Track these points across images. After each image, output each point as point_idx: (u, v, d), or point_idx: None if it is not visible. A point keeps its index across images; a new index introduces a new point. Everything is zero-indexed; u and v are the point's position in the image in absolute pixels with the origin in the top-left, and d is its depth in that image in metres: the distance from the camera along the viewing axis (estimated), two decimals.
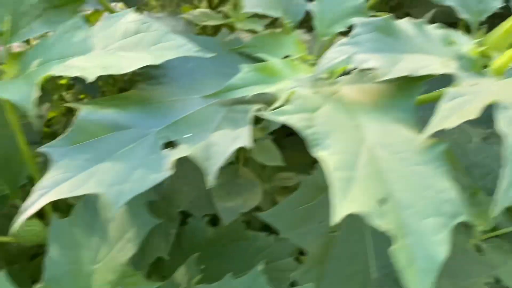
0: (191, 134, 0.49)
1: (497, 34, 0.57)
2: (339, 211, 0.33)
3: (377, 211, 0.34)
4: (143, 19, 0.55)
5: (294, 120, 0.39)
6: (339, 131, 0.41)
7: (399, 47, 0.50)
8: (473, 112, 0.36)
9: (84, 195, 0.63)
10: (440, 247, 0.33)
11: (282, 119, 0.39)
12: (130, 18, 0.56)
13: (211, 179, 0.44)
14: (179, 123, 0.52)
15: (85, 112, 0.49)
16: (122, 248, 0.60)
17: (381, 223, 0.33)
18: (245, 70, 0.54)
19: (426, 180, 0.37)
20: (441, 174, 0.37)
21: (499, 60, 0.49)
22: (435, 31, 0.54)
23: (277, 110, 0.41)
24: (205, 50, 0.54)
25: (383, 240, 0.63)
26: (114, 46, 0.54)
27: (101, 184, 0.44)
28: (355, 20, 0.50)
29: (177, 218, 1.05)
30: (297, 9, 0.65)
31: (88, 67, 0.52)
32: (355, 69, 0.56)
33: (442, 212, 0.35)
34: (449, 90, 0.41)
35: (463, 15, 0.60)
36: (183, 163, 1.33)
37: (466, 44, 0.57)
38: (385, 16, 0.50)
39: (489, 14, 0.60)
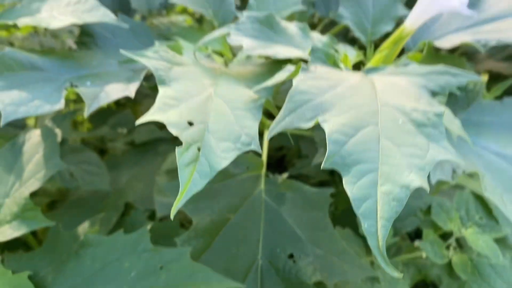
0: (89, 83, 0.59)
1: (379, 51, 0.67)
2: (147, 117, 0.41)
3: (182, 126, 0.42)
4: None
5: (152, 63, 0.48)
6: (191, 81, 0.50)
7: (274, 38, 0.59)
8: None
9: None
10: (223, 161, 0.41)
11: (143, 60, 0.48)
12: None
13: (86, 113, 0.53)
14: (88, 76, 0.62)
15: (9, 50, 0.59)
16: (30, 185, 0.68)
17: (182, 134, 0.41)
18: (157, 45, 0.64)
19: (239, 119, 0.45)
20: (252, 117, 0.46)
21: (354, 58, 0.58)
22: (318, 36, 0.64)
23: (145, 55, 0.50)
24: (127, 26, 0.65)
25: (275, 232, 0.70)
26: (56, 11, 0.66)
27: (1, 103, 0.54)
28: (244, 13, 0.60)
29: (121, 209, 1.13)
30: (226, 13, 0.77)
31: (28, 22, 0.64)
32: (248, 56, 0.66)
33: (238, 140, 0.43)
34: (302, 65, 0.50)
35: (357, 34, 0.70)
36: (144, 165, 1.40)
37: (350, 53, 0.67)
38: (268, 13, 0.60)
39: (381, 35, 0.70)
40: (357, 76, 0.50)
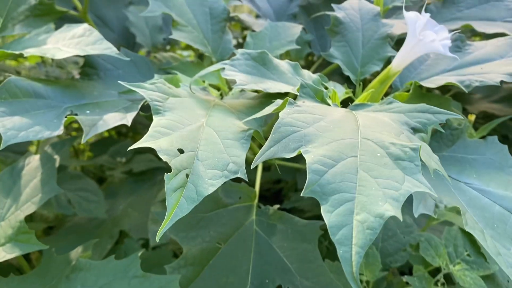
0: (89, 111, 0.62)
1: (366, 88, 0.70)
2: (139, 144, 0.43)
3: (173, 153, 0.44)
4: (90, 28, 0.71)
5: (148, 94, 0.51)
6: (185, 111, 0.52)
7: (266, 74, 0.63)
8: None
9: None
10: (210, 187, 0.43)
11: (140, 91, 0.51)
12: (82, 27, 0.72)
13: (83, 139, 0.55)
14: (88, 105, 0.65)
15: (14, 78, 0.63)
16: (26, 208, 0.69)
17: (171, 160, 0.43)
18: (156, 77, 0.68)
19: (228, 148, 0.48)
20: (240, 147, 0.48)
21: (343, 96, 0.61)
22: (308, 73, 0.67)
23: (142, 85, 0.53)
24: (130, 60, 0.69)
25: (264, 263, 0.71)
26: (62, 43, 0.70)
27: (2, 127, 0.57)
28: (238, 50, 0.64)
29: (116, 236, 1.14)
30: (224, 50, 0.80)
31: (34, 52, 0.67)
32: (242, 90, 0.69)
33: (225, 168, 0.45)
34: (289, 100, 0.52)
35: (346, 73, 0.73)
36: (140, 194, 1.42)
37: (339, 90, 0.70)
38: (262, 51, 0.63)
39: (370, 74, 0.73)
40: (341, 111, 0.52)
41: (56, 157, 0.74)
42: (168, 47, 1.52)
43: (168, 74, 0.76)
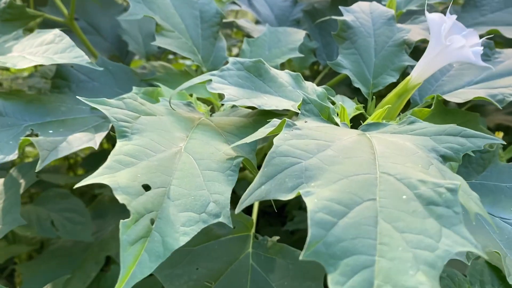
0: (52, 131, 0.52)
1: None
2: (88, 180, 0.33)
3: (134, 190, 0.34)
4: (60, 34, 0.61)
5: (112, 112, 0.41)
6: (159, 133, 0.42)
7: (262, 87, 0.52)
8: None
9: None
10: (182, 237, 0.33)
11: (101, 108, 0.41)
12: (52, 32, 0.63)
13: (38, 166, 0.45)
14: (53, 123, 0.55)
15: None
16: None
17: (131, 202, 0.33)
18: (134, 90, 0.58)
19: (209, 182, 0.37)
20: (224, 181, 0.38)
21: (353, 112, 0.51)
22: (312, 86, 0.57)
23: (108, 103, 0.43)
24: (107, 71, 0.59)
25: None
26: (28, 51, 0.60)
27: None
28: (230, 59, 0.54)
29: (102, 262, 1.04)
30: (217, 59, 0.71)
31: None
32: (234, 106, 0.59)
33: (204, 210, 0.35)
34: (287, 121, 0.42)
35: (357, 85, 0.63)
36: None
37: (349, 106, 0.60)
38: (257, 60, 0.53)
39: (384, 87, 0.63)
40: (353, 134, 0.42)
41: (22, 181, 0.64)
42: (170, 56, 1.42)
43: (152, 86, 0.66)
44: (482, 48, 0.50)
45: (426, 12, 0.51)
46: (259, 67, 0.53)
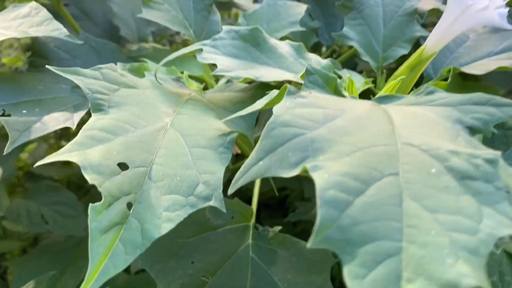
0: (26, 111, 0.46)
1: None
2: (54, 157, 0.28)
3: (108, 170, 0.28)
4: (37, 7, 0.56)
5: (86, 83, 0.35)
6: (141, 107, 0.37)
7: (260, 58, 0.47)
8: None
9: None
10: (165, 224, 0.27)
11: (74, 78, 0.36)
12: (28, 5, 0.57)
13: (7, 148, 0.40)
14: (28, 103, 0.49)
15: None
16: None
17: (103, 183, 0.27)
18: (119, 67, 0.52)
19: (198, 161, 0.32)
20: (216, 159, 0.32)
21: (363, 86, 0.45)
22: (316, 58, 0.52)
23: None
24: (90, 47, 0.53)
25: None
26: (1, 25, 0.55)
27: None
28: (223, 27, 0.48)
29: None
30: (210, 33, 0.65)
31: None
32: (228, 81, 0.53)
33: (192, 193, 0.29)
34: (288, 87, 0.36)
35: (365, 58, 0.57)
36: None
37: (357, 79, 0.54)
38: (253, 27, 0.48)
39: (394, 60, 0.57)
40: (365, 105, 0.36)
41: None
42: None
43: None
44: (507, 9, 0.45)
45: None
46: (256, 36, 0.48)
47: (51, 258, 1.02)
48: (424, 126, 0.31)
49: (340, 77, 0.53)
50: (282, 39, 0.69)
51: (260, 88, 0.46)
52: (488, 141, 0.51)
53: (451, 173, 0.25)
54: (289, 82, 0.46)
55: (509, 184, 0.28)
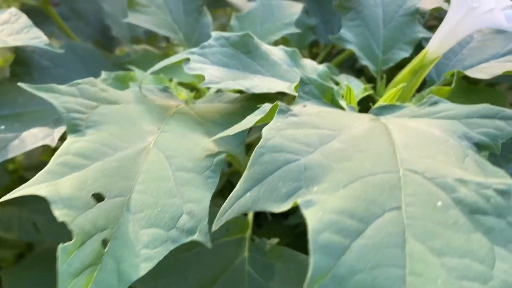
0: (4, 127, 0.44)
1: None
2: (22, 190, 0.25)
3: (81, 203, 0.25)
4: (17, 13, 0.53)
5: (62, 101, 0.33)
6: (123, 126, 0.34)
7: (251, 66, 0.44)
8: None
9: None
10: (144, 263, 0.24)
11: (47, 96, 0.33)
12: (8, 11, 0.54)
13: None
14: (8, 117, 0.47)
15: None
16: None
17: (75, 219, 0.25)
18: (103, 76, 0.49)
19: (182, 188, 0.29)
20: (202, 184, 0.29)
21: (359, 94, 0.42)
22: (312, 64, 0.49)
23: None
24: (74, 55, 0.50)
25: None
26: None
27: None
28: (213, 34, 0.45)
29: None
30: (202, 37, 0.62)
31: None
32: (219, 90, 0.51)
33: (174, 225, 0.27)
34: (280, 106, 0.33)
35: (364, 62, 0.54)
36: None
37: (356, 86, 0.51)
38: (244, 33, 0.45)
39: (394, 63, 0.54)
40: (364, 120, 0.34)
41: None
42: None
43: (125, 70, 0.57)
44: None
45: None
46: (247, 43, 0.45)
47: (44, 267, 0.99)
48: (429, 146, 0.29)
49: (337, 84, 0.50)
50: (278, 39, 0.66)
51: (252, 99, 0.44)
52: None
53: (459, 206, 0.22)
54: (283, 93, 0.43)
55: None
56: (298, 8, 0.67)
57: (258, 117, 0.32)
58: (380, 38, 0.55)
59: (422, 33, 0.54)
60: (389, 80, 0.54)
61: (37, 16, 0.92)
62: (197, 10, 0.62)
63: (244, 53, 0.45)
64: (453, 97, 0.51)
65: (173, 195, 0.29)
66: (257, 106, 0.36)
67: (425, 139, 0.30)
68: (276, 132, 0.28)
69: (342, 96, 0.46)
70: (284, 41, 0.88)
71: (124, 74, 0.50)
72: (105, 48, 1.19)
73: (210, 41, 0.45)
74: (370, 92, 0.50)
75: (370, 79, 0.56)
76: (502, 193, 0.23)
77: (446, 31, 0.44)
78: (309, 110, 0.33)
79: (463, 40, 0.56)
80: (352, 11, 0.56)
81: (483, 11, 0.41)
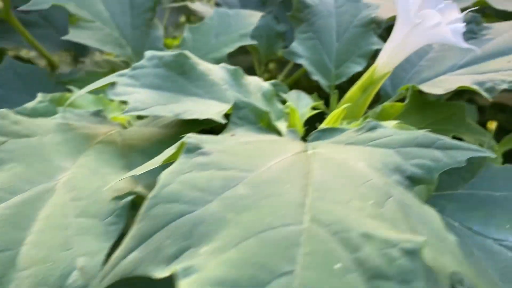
0: None
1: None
2: None
3: None
4: None
5: None
6: (30, 163, 0.31)
7: (187, 88, 0.41)
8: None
9: None
10: None
11: None
12: None
13: None
14: None
15: None
16: None
17: None
18: (39, 98, 0.46)
19: (77, 238, 0.26)
20: (102, 233, 0.27)
21: (295, 121, 0.40)
22: (257, 82, 0.46)
23: None
24: (14, 74, 0.48)
25: None
26: None
27: None
28: (146, 53, 0.43)
29: None
30: (153, 48, 0.59)
31: None
32: None
33: (62, 285, 0.24)
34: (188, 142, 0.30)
35: (316, 77, 0.51)
36: None
37: (304, 103, 0.49)
38: (177, 52, 0.42)
39: (347, 78, 0.51)
40: (288, 153, 0.31)
41: None
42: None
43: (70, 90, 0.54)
44: (464, 25, 0.39)
45: None
46: (182, 63, 0.42)
47: None
48: (347, 188, 0.26)
49: (284, 102, 0.47)
50: (247, 51, 0.63)
51: (187, 124, 0.41)
52: (451, 169, 0.46)
53: (359, 270, 0.20)
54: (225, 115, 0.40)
55: (441, 263, 0.23)
56: (256, 17, 0.64)
57: (165, 157, 0.29)
58: (333, 51, 0.52)
59: (377, 44, 0.52)
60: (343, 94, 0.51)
61: (3, 25, 0.88)
62: (146, 24, 0.59)
63: (179, 74, 0.42)
64: (409, 112, 0.49)
65: (68, 247, 0.26)
66: (180, 136, 0.33)
67: (347, 178, 0.27)
68: (176, 175, 0.25)
69: (286, 118, 0.43)
70: (253, 48, 0.86)
71: (60, 96, 0.47)
72: (75, 57, 1.16)
73: (143, 62, 0.42)
74: (322, 109, 0.47)
75: (325, 93, 0.54)
76: (408, 253, 0.20)
77: (393, 47, 0.41)
78: (227, 145, 0.30)
79: (422, 50, 0.53)
80: (304, 22, 0.54)
81: (429, 26, 0.38)
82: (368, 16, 0.53)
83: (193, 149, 0.27)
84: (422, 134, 0.32)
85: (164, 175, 0.25)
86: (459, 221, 0.43)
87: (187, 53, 0.43)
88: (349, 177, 0.27)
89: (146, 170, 0.29)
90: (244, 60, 0.98)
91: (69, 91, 0.53)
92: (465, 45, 0.39)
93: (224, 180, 0.25)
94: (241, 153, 0.29)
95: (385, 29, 0.55)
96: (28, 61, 1.07)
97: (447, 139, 0.31)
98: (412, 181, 0.30)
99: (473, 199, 0.45)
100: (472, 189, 0.45)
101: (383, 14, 0.55)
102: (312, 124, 0.50)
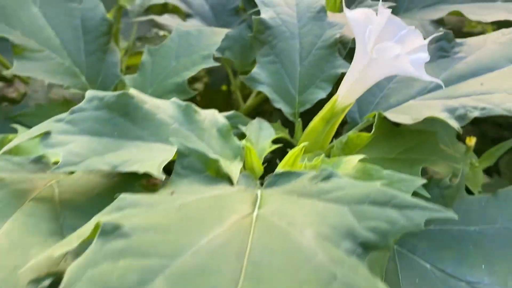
0: None
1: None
2: None
3: None
4: None
5: None
6: None
7: (130, 132, 0.38)
8: None
9: None
10: None
11: None
12: None
13: None
14: None
15: None
16: None
17: None
18: None
19: None
20: None
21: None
22: (213, 117, 0.43)
23: None
24: None
25: None
26: None
27: None
28: (88, 92, 0.39)
29: None
30: (107, 78, 0.55)
31: None
32: None
33: None
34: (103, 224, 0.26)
35: (278, 105, 0.48)
36: None
37: (266, 135, 0.45)
38: (120, 92, 0.38)
39: (311, 105, 0.48)
40: (235, 214, 0.28)
41: None
42: None
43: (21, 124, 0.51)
44: (426, 55, 0.36)
45: (345, 9, 0.36)
46: (125, 103, 0.39)
47: None
48: (287, 272, 0.23)
49: (243, 137, 0.44)
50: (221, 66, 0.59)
51: (129, 173, 0.37)
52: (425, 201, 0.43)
53: None
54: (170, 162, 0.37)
55: None
56: (220, 36, 0.61)
57: (81, 238, 0.25)
58: (297, 76, 0.49)
59: (342, 67, 0.48)
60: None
61: None
62: (101, 49, 0.55)
63: (122, 115, 0.38)
64: (378, 140, 0.46)
65: None
66: (115, 196, 0.30)
67: (289, 257, 0.24)
68: (84, 271, 0.22)
69: (246, 158, 0.40)
70: (225, 61, 0.82)
71: (2, 138, 0.43)
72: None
73: (82, 104, 0.38)
74: (285, 138, 0.44)
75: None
76: None
77: (352, 80, 0.38)
78: (158, 212, 0.27)
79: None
80: (266, 45, 0.50)
81: (387, 59, 0.35)
82: (333, 36, 0.49)
83: (110, 231, 0.24)
84: (376, 189, 0.29)
85: (71, 268, 0.22)
86: (431, 262, 0.41)
87: (132, 91, 0.39)
88: (291, 255, 0.24)
89: (64, 251, 0.25)
90: (221, 70, 0.94)
91: (15, 130, 0.49)
92: (427, 77, 0.36)
93: (140, 273, 0.22)
94: (173, 225, 0.26)
95: (352, 49, 0.51)
96: None
97: (403, 197, 0.28)
98: (365, 248, 0.27)
99: (445, 235, 0.42)
100: (445, 225, 0.43)
101: (349, 33, 0.51)
102: (274, 153, 0.47)
